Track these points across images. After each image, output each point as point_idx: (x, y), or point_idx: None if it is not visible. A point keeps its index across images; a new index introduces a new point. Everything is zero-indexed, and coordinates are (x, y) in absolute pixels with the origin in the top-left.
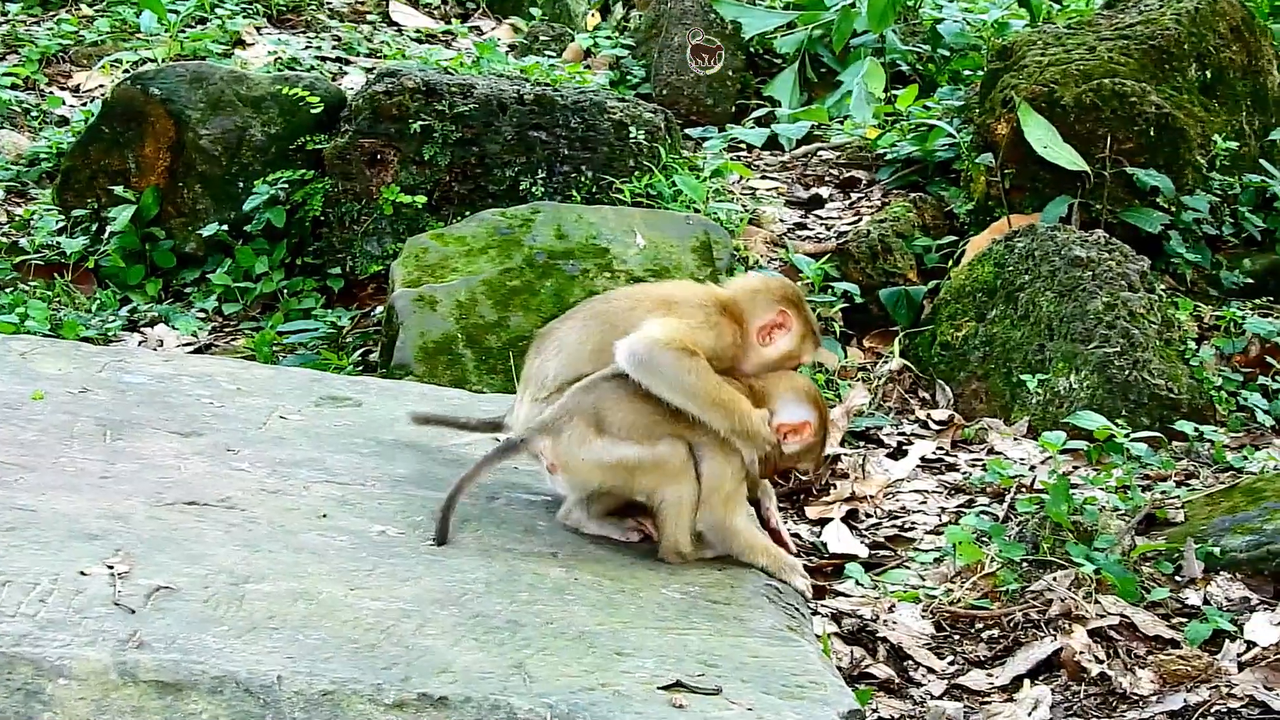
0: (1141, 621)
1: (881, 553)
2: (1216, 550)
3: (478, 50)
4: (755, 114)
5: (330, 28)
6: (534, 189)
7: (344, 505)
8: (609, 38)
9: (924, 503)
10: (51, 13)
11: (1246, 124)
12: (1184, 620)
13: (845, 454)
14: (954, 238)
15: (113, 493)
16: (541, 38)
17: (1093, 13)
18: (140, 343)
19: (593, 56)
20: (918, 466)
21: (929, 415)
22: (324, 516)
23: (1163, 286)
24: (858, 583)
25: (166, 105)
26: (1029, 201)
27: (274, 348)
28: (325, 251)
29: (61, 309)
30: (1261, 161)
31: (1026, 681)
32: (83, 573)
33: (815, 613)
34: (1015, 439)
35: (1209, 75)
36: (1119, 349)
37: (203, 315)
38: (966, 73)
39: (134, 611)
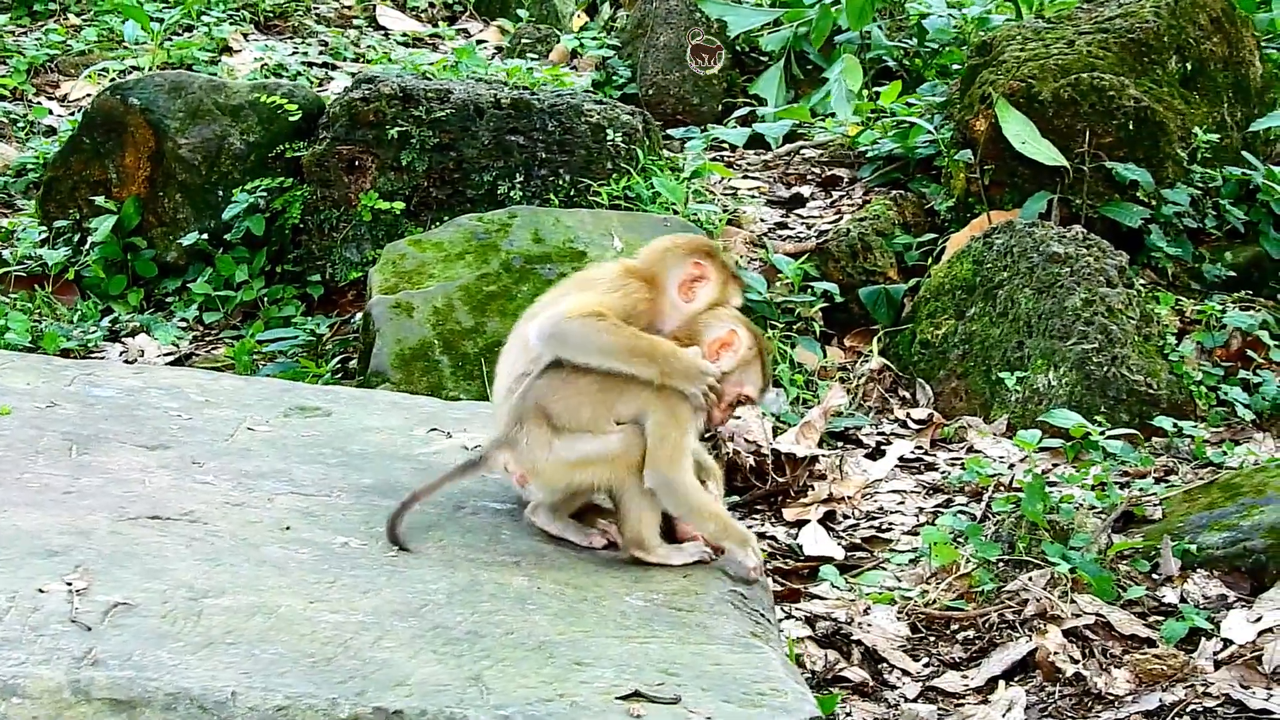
0: (1118, 620)
1: (858, 554)
2: (1193, 547)
3: (456, 55)
4: (738, 113)
5: (317, 33)
6: (512, 193)
7: (308, 517)
8: (595, 38)
9: (902, 503)
10: (40, 23)
11: (1228, 115)
12: (1161, 619)
13: (823, 455)
14: (934, 235)
15: (76, 508)
16: (528, 39)
17: (1074, 6)
18: (121, 353)
19: (579, 57)
20: (896, 466)
21: (909, 414)
22: (287, 529)
23: (1143, 281)
24: (833, 585)
25: (146, 115)
26: (1009, 197)
27: (253, 356)
28: (305, 259)
29: (43, 321)
30: (1244, 153)
31: (1001, 683)
32: (41, 590)
33: (789, 616)
34: (995, 437)
35: (1189, 67)
36: (1097, 345)
37: (184, 324)
38: (955, 67)
39: (90, 629)
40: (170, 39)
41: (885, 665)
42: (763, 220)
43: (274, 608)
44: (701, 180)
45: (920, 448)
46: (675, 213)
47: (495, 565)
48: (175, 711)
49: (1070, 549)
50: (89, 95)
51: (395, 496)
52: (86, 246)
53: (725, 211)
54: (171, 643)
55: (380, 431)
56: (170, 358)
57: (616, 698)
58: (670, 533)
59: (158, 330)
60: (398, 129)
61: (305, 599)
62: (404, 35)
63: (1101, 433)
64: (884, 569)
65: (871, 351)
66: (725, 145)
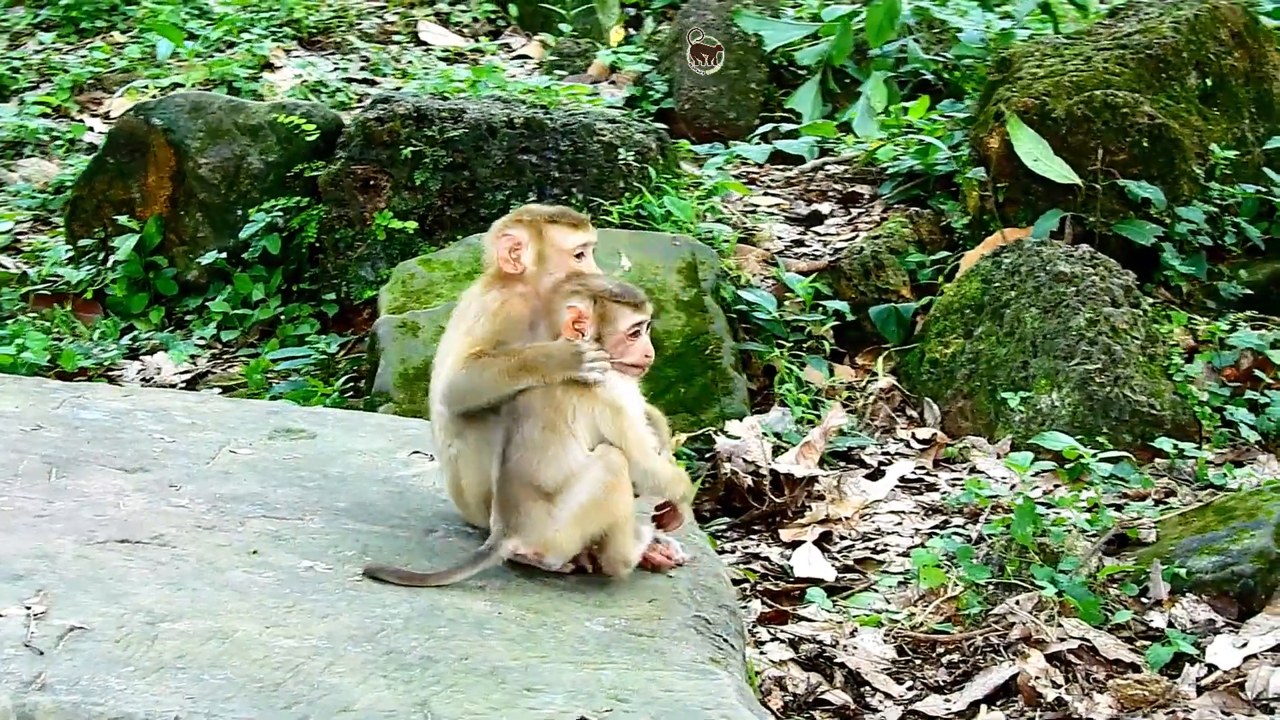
0: (1103, 645)
1: (850, 576)
2: (1183, 571)
3: (474, 73)
4: (762, 129)
5: (359, 49)
6: None
7: (277, 541)
8: (632, 53)
9: (899, 524)
10: (86, 40)
11: (1250, 131)
12: (1147, 643)
13: (822, 475)
14: (948, 253)
15: (46, 531)
16: (567, 54)
17: (1092, 22)
18: (139, 371)
19: (617, 72)
20: (897, 487)
21: (913, 434)
22: (255, 553)
23: (1156, 300)
24: (820, 607)
25: (167, 135)
26: (1023, 215)
27: (266, 375)
28: (321, 278)
29: (62, 339)
30: (1266, 170)
31: (983, 707)
32: None
33: (774, 638)
34: (997, 458)
35: (1209, 83)
36: (1100, 365)
37: (202, 343)
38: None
39: (43, 653)
40: (212, 55)
41: (868, 688)
42: (779, 238)
43: (230, 632)
44: (719, 198)
45: (922, 468)
46: (687, 231)
47: (458, 590)
48: None
49: (1059, 572)
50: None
51: (368, 520)
52: (109, 265)
53: (737, 229)
54: (122, 667)
55: (363, 454)
56: (186, 376)
57: None
58: None
59: (173, 349)
60: (411, 148)
61: (262, 623)
62: (445, 51)
63: (1094, 455)
64: (875, 591)
65: (879, 371)
66: (752, 161)
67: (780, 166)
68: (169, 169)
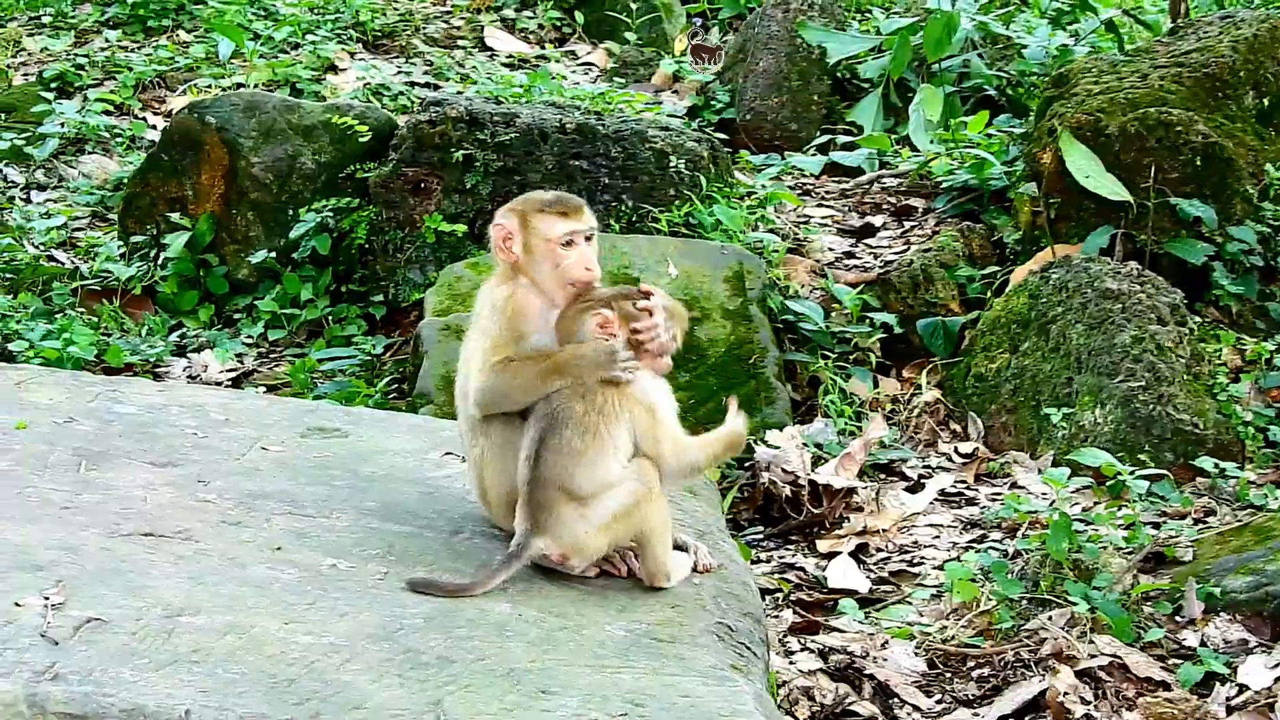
0: (1134, 662)
1: (884, 588)
2: (1218, 590)
3: (529, 79)
4: (818, 140)
5: (424, 53)
6: None
7: (302, 538)
8: (696, 63)
9: (937, 537)
10: (152, 38)
11: None
12: (1179, 662)
13: (861, 487)
14: (997, 268)
15: (70, 523)
16: (631, 63)
17: (1152, 40)
18: (185, 368)
19: (680, 81)
20: (936, 500)
21: (955, 448)
22: (278, 549)
23: (1204, 319)
24: (852, 619)
25: (221, 133)
26: (1074, 231)
27: (312, 375)
28: (369, 279)
29: (110, 335)
30: None
31: None
32: (17, 604)
33: (804, 648)
34: (1039, 473)
35: (1266, 103)
36: (1144, 383)
37: (249, 341)
38: None
39: (58, 643)
40: (276, 56)
41: (896, 701)
42: (830, 249)
43: (247, 628)
44: (771, 208)
45: (963, 482)
46: (736, 240)
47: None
48: None
49: (1093, 588)
50: None
51: (396, 520)
52: (160, 262)
53: (787, 240)
54: (137, 660)
55: (395, 454)
56: (232, 374)
57: None
58: None
59: (219, 347)
60: (463, 152)
61: (281, 620)
62: (510, 57)
63: (1133, 472)
64: (908, 603)
65: (924, 384)
66: (807, 172)
67: (836, 178)
68: (222, 167)
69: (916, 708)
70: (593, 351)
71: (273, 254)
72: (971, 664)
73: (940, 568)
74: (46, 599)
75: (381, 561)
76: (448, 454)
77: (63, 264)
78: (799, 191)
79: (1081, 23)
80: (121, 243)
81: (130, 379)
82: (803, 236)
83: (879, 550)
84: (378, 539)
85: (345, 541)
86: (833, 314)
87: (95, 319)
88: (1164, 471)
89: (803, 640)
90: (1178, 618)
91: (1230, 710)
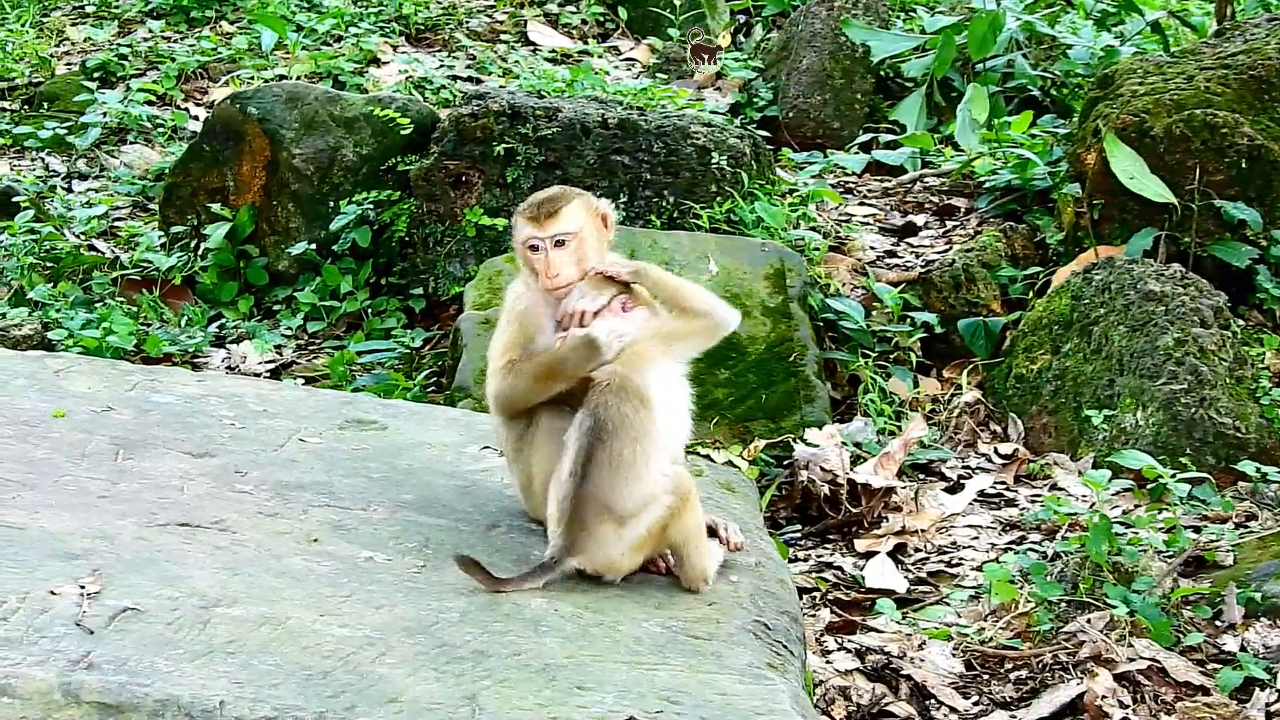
0: (1173, 666)
1: (922, 588)
2: (1258, 595)
3: (572, 73)
4: (861, 138)
5: (467, 47)
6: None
7: (338, 530)
8: (738, 60)
9: (975, 538)
10: (195, 29)
11: None
12: (1218, 666)
13: (900, 486)
14: (1039, 268)
15: (107, 512)
16: (674, 59)
17: (1198, 42)
18: (224, 359)
19: (723, 78)
20: (975, 501)
21: (995, 449)
22: (315, 541)
23: (1242, 323)
24: (890, 619)
25: (263, 124)
26: (1117, 233)
27: (350, 367)
28: (409, 272)
29: (150, 325)
30: None
31: None
32: (53, 592)
33: (841, 647)
34: (1079, 475)
35: None
36: (1186, 386)
37: (288, 333)
38: None
39: (93, 632)
40: (319, 48)
41: (933, 702)
42: (871, 248)
43: (282, 619)
44: (813, 205)
45: (1002, 483)
46: (777, 237)
47: None
48: (162, 718)
49: (1133, 592)
50: None
51: (433, 514)
52: (200, 252)
53: (829, 238)
54: (171, 650)
55: (433, 447)
56: (270, 366)
57: None
58: None
59: (258, 338)
60: (504, 146)
61: (316, 612)
62: (553, 52)
63: (1174, 475)
64: (946, 604)
65: (964, 384)
66: (849, 170)
67: (879, 177)
68: (263, 158)
69: (953, 709)
70: (571, 348)
71: (313, 246)
72: (1009, 666)
73: (979, 569)
74: (82, 588)
75: (418, 555)
76: (485, 448)
77: (103, 253)
78: (841, 190)
79: (1127, 24)
80: (162, 233)
81: (169, 369)
82: (844, 235)
83: (917, 550)
84: (415, 532)
85: (382, 534)
86: (873, 313)
87: (135, 309)
88: (1205, 475)
89: (840, 640)
90: (1218, 622)
91: (1270, 716)
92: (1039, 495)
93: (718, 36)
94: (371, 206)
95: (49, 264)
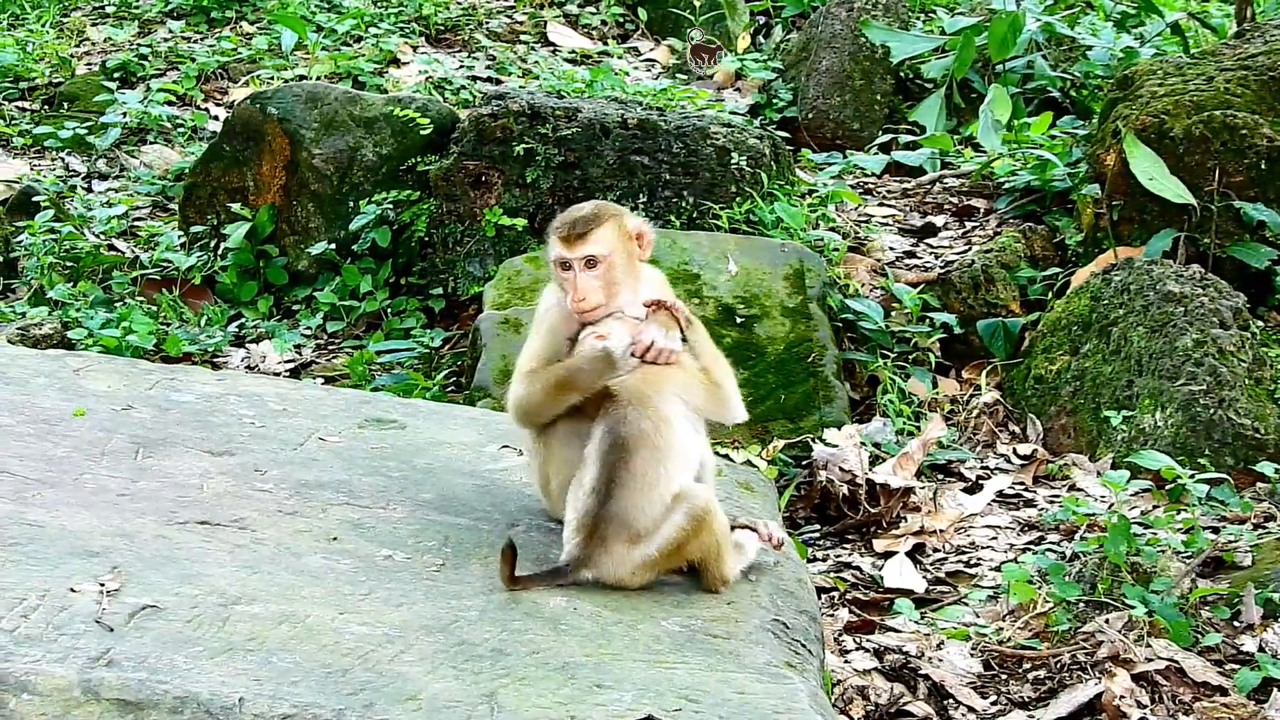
0: (1191, 667)
1: (940, 588)
2: (1276, 596)
3: (591, 74)
4: (880, 139)
5: (486, 48)
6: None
7: (358, 528)
8: (758, 61)
9: (994, 538)
10: (215, 29)
11: None
12: (1237, 667)
13: (919, 487)
14: (1058, 269)
15: (126, 510)
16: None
17: (1218, 43)
18: (243, 358)
19: (743, 79)
20: (994, 501)
21: (1014, 449)
22: (334, 539)
23: (1261, 324)
24: (908, 619)
25: (283, 124)
26: (1137, 234)
27: (370, 367)
28: (429, 272)
29: (170, 324)
30: None
31: None
32: (73, 589)
33: (859, 647)
34: (1098, 476)
35: None
36: (1205, 387)
37: (308, 333)
38: None
39: (112, 629)
40: (339, 49)
41: (952, 701)
42: (890, 248)
43: (302, 617)
44: (832, 206)
45: (1021, 484)
46: (796, 238)
47: None
48: (181, 715)
49: (1151, 592)
50: None
51: (452, 512)
52: (220, 252)
53: (848, 238)
54: (191, 647)
55: (452, 446)
56: (290, 365)
57: None
58: None
59: (278, 338)
60: (524, 146)
61: (335, 609)
62: (572, 52)
63: (1192, 476)
64: (964, 604)
65: (983, 385)
66: (869, 171)
67: (898, 178)
68: (283, 158)
69: (971, 709)
70: (589, 361)
71: (332, 246)
72: (1027, 666)
73: (997, 569)
74: (102, 585)
75: (437, 553)
76: (504, 447)
77: (123, 253)
78: (860, 190)
79: (1146, 25)
80: (182, 232)
81: (188, 368)
82: (863, 235)
83: (936, 550)
84: (434, 530)
85: (401, 533)
86: (892, 313)
87: (154, 308)
88: (1224, 476)
89: (858, 639)
90: (1236, 623)
91: None
92: (1057, 496)
93: (737, 38)
94: (391, 206)
95: (69, 263)
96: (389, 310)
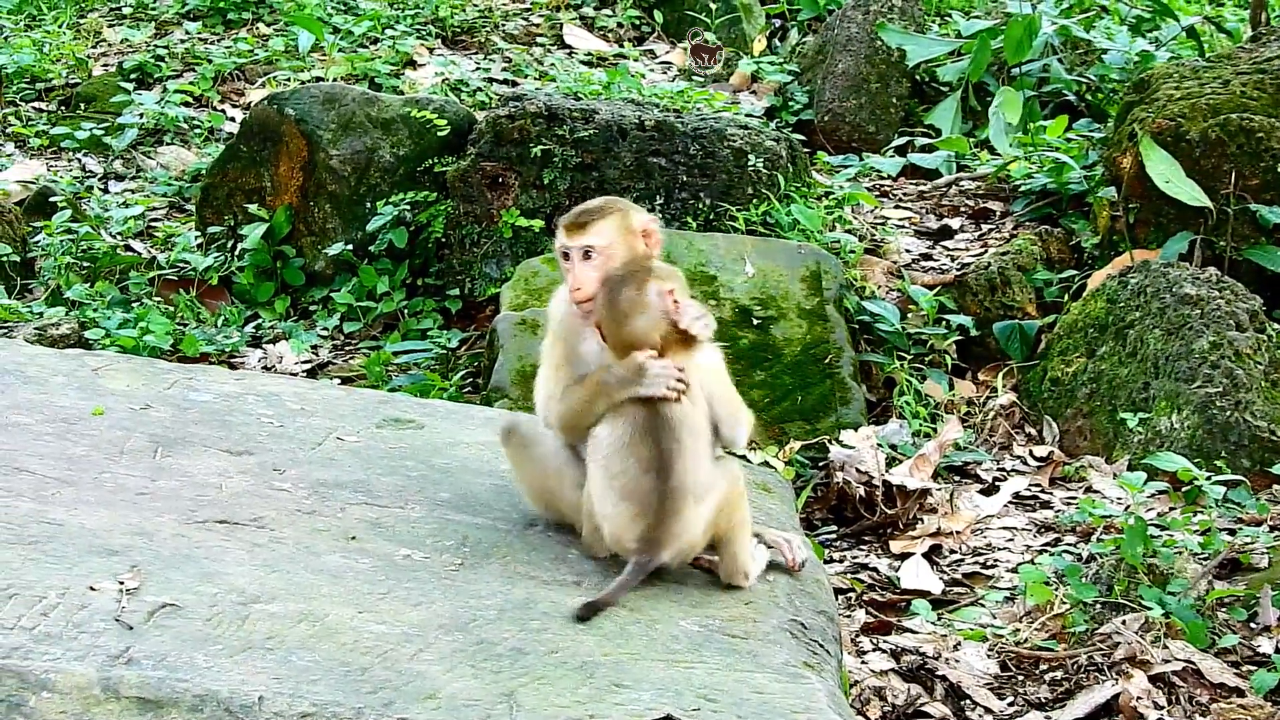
0: (1208, 668)
1: (957, 589)
2: None
3: (608, 76)
4: (896, 142)
5: (502, 50)
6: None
7: (376, 528)
8: (774, 63)
9: (1010, 540)
10: (232, 31)
11: None
12: (1253, 668)
13: (935, 488)
14: (1075, 271)
15: (145, 509)
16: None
17: (1234, 47)
18: (260, 359)
19: (758, 82)
20: (1010, 503)
21: (1030, 451)
22: (353, 539)
23: (1276, 327)
24: (925, 620)
25: (300, 125)
26: (1153, 237)
27: (387, 368)
28: (446, 273)
29: (187, 325)
30: None
31: None
32: (92, 588)
33: (876, 648)
34: (1114, 478)
35: None
36: (1221, 389)
37: (325, 333)
38: None
39: (132, 628)
40: (355, 50)
41: (968, 702)
42: (906, 251)
43: (321, 616)
44: (849, 208)
45: (1037, 485)
46: (813, 240)
47: (555, 584)
48: (201, 713)
49: (1168, 594)
50: None
51: (470, 512)
52: (237, 253)
53: (865, 240)
54: (210, 645)
55: (470, 446)
56: (307, 366)
57: None
58: None
59: (295, 338)
60: (541, 147)
61: (355, 609)
62: (588, 55)
63: (1208, 478)
64: (981, 605)
65: (1000, 387)
66: (885, 174)
67: (914, 181)
68: (300, 159)
69: (988, 710)
70: (620, 371)
71: (349, 246)
72: (1044, 667)
73: (1014, 570)
74: (121, 584)
75: (455, 553)
76: None
77: (140, 254)
78: (877, 193)
79: (1162, 29)
80: (199, 233)
81: (206, 367)
82: (880, 237)
83: (952, 552)
84: (452, 530)
85: (420, 532)
86: (909, 315)
87: (171, 309)
88: (1240, 478)
89: (875, 640)
90: (1252, 624)
91: None
92: (1074, 498)
93: (753, 41)
94: (408, 207)
95: (86, 264)
96: (406, 311)
